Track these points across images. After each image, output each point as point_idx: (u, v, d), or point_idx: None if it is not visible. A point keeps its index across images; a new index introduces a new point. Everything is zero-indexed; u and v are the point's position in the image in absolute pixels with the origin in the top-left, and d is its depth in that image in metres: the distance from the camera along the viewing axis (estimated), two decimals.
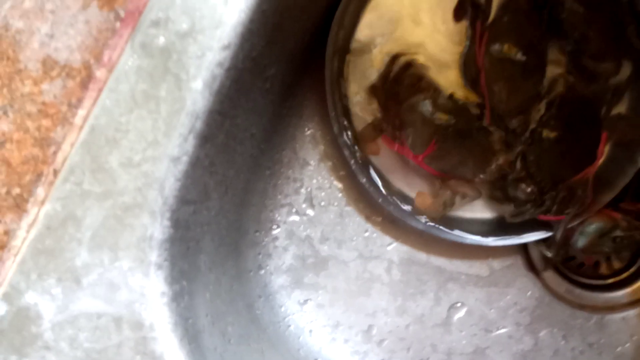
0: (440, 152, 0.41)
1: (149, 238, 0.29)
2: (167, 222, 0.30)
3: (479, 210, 0.46)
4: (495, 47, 0.41)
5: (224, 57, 0.30)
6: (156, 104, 0.29)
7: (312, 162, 0.48)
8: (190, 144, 0.29)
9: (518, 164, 0.40)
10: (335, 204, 0.48)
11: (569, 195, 0.39)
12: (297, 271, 0.48)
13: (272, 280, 0.48)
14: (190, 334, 0.30)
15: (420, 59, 0.43)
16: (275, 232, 0.48)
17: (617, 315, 0.48)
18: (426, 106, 0.42)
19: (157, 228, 0.29)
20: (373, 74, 0.44)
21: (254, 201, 0.46)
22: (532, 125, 0.40)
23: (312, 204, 0.48)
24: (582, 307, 0.48)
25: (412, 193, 0.45)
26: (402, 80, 0.43)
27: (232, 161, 0.38)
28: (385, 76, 0.43)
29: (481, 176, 0.41)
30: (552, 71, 0.41)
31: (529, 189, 0.40)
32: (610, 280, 0.48)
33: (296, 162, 0.48)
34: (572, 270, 0.49)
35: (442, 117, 0.42)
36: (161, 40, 0.30)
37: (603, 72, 0.39)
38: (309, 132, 0.48)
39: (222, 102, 0.31)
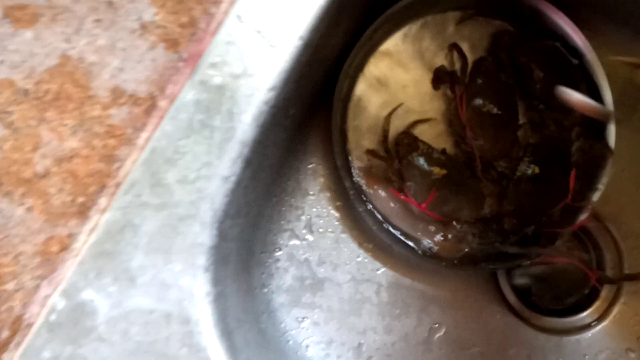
0: (440, 199, 0.48)
1: (200, 245, 0.34)
2: (215, 232, 0.34)
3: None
4: (476, 103, 0.49)
5: (269, 97, 0.36)
6: (211, 132, 0.35)
7: (312, 193, 0.54)
8: (237, 167, 0.35)
9: (503, 202, 0.48)
10: (332, 230, 0.54)
11: (548, 224, 0.47)
12: (296, 291, 0.53)
13: (273, 299, 0.52)
14: (227, 332, 0.35)
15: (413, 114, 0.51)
16: (277, 254, 0.53)
17: (573, 338, 0.55)
18: (422, 162, 0.50)
19: (207, 236, 0.34)
20: (369, 119, 0.52)
21: (262, 225, 0.51)
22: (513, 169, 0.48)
23: (311, 230, 0.54)
24: (542, 330, 0.55)
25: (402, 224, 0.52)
26: (400, 141, 0.51)
27: (256, 186, 0.43)
28: (384, 136, 0.51)
29: (474, 219, 0.48)
30: (526, 123, 0.50)
31: (512, 222, 0.47)
32: (570, 307, 0.56)
33: (299, 192, 0.54)
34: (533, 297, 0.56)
35: (437, 171, 0.49)
36: (217, 79, 0.36)
37: (570, 122, 0.48)
38: (311, 166, 0.54)
39: (263, 133, 0.37)
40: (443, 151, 0.50)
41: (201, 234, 0.34)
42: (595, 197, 0.49)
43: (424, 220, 0.51)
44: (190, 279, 0.34)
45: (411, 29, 0.52)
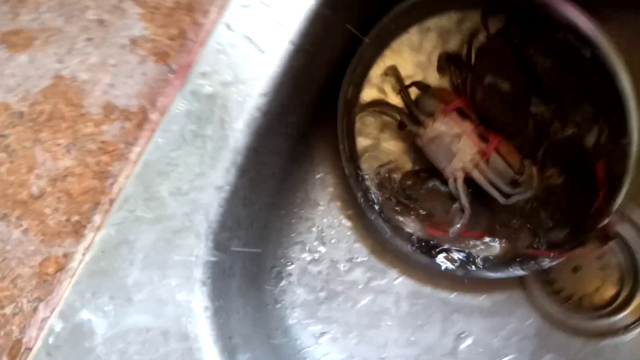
0: (473, 215, 0.47)
1: (195, 257, 0.33)
2: (210, 244, 0.33)
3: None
4: (487, 82, 0.47)
5: (261, 103, 0.35)
6: (203, 142, 0.34)
7: (322, 203, 0.53)
8: (232, 175, 0.34)
9: (542, 215, 0.46)
10: (345, 241, 0.52)
11: (596, 222, 0.44)
12: (311, 306, 0.51)
13: (287, 315, 0.50)
14: (229, 348, 0.33)
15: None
16: (289, 268, 0.51)
17: (611, 342, 0.51)
18: (436, 186, 0.48)
19: (202, 249, 0.33)
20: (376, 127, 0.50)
21: (271, 238, 0.50)
22: (537, 181, 0.46)
23: (323, 241, 0.52)
24: (578, 334, 0.51)
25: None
26: (404, 185, 0.49)
27: (258, 197, 0.42)
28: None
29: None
30: (536, 122, 0.48)
31: (562, 235, 0.45)
32: (607, 310, 0.52)
33: (308, 203, 0.53)
34: (563, 301, 0.53)
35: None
36: (208, 89, 0.35)
37: (583, 117, 0.46)
38: (319, 176, 0.53)
39: (257, 140, 0.36)
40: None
41: (196, 247, 0.33)
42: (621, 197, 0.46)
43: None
44: (187, 293, 0.33)
45: (414, 32, 0.51)
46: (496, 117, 0.47)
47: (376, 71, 0.50)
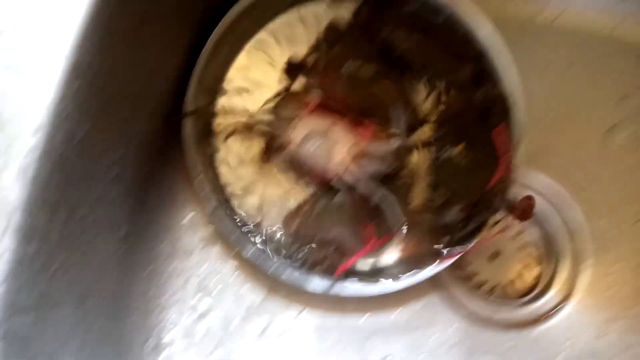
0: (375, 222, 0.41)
1: None
2: None
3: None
4: (346, 71, 0.41)
5: (37, 142, 0.27)
6: None
7: (196, 250, 0.45)
8: (10, 241, 0.26)
9: (432, 195, 0.41)
10: (233, 284, 0.45)
11: (501, 191, 0.38)
12: None
13: None
14: None
15: None
16: (169, 334, 0.43)
17: (544, 326, 0.46)
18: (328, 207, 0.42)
19: None
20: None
21: (135, 306, 0.41)
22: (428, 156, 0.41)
23: (206, 292, 0.44)
24: (509, 327, 0.46)
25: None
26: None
27: (86, 262, 0.33)
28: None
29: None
30: (418, 100, 0.43)
31: (456, 211, 0.39)
32: (533, 294, 0.47)
33: (177, 254, 0.45)
34: (487, 294, 0.47)
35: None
36: None
37: (460, 80, 0.41)
38: (187, 219, 0.45)
39: (44, 190, 0.28)
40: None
41: None
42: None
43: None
44: None
45: (264, 34, 0.45)
46: (368, 105, 0.42)
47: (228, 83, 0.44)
